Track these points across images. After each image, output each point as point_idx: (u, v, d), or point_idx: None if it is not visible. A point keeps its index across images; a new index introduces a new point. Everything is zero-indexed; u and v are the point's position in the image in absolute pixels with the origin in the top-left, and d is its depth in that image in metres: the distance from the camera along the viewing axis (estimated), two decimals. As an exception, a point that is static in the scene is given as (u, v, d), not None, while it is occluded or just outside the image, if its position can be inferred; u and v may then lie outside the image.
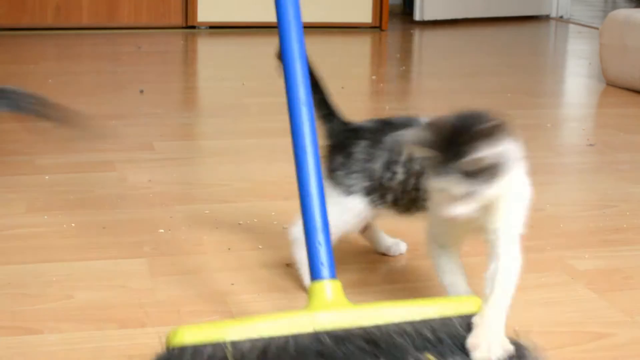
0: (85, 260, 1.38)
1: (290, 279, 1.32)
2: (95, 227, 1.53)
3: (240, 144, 2.11)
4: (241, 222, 1.56)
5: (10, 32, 3.97)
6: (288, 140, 2.10)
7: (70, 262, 1.37)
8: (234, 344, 0.99)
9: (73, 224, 1.54)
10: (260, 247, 1.45)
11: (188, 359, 0.98)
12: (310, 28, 4.37)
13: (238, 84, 2.88)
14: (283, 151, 2.03)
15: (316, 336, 1.01)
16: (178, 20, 4.28)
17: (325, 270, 1.08)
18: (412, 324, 1.04)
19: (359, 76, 3.29)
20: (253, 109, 2.49)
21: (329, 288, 1.07)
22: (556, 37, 4.69)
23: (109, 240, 1.47)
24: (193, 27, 4.29)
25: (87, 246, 1.44)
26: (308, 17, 4.42)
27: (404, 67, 3.48)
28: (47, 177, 1.81)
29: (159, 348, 1.10)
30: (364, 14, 4.47)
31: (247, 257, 1.41)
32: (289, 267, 1.36)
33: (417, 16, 4.75)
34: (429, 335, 1.03)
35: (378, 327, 1.03)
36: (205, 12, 4.28)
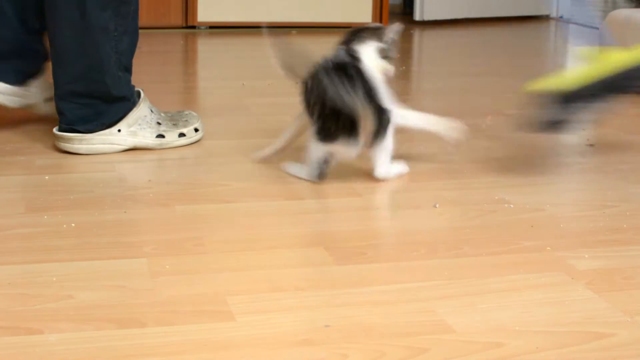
0: (85, 260, 1.38)
1: (289, 280, 1.33)
2: (95, 227, 1.53)
3: (240, 144, 2.11)
4: (241, 222, 1.57)
5: (10, 32, 3.96)
6: (288, 140, 2.06)
7: (70, 262, 1.38)
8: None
9: (73, 224, 1.54)
10: (260, 247, 1.45)
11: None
12: (311, 28, 4.38)
13: (238, 84, 2.88)
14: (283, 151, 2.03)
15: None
16: (178, 20, 4.28)
17: None
18: None
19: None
20: (253, 109, 2.49)
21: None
22: (556, 37, 4.69)
23: (109, 240, 1.47)
24: (193, 27, 4.29)
25: (87, 246, 1.45)
26: (308, 17, 4.44)
27: (404, 67, 3.48)
28: (47, 177, 1.81)
29: (159, 347, 1.10)
30: (364, 14, 4.47)
31: (247, 257, 1.41)
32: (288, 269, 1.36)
33: (417, 16, 4.76)
34: None
35: None
36: (205, 12, 4.28)
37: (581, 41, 4.37)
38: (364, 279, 1.34)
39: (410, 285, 1.32)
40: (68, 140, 1.96)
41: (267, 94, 2.72)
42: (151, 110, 2.03)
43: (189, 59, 3.67)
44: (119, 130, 1.98)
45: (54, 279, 1.30)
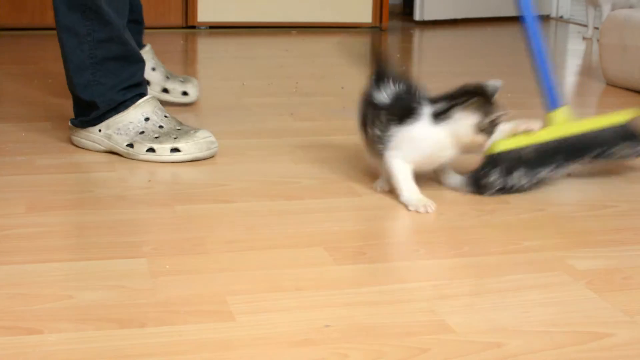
0: (85, 260, 1.38)
1: (289, 280, 1.33)
2: (95, 227, 1.53)
3: (240, 144, 2.11)
4: (241, 222, 1.57)
5: (10, 32, 3.97)
6: (288, 140, 2.11)
7: (70, 262, 1.38)
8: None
9: (73, 224, 1.54)
10: (260, 247, 1.45)
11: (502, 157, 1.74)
12: (311, 28, 4.38)
13: (238, 84, 2.88)
14: (283, 151, 2.03)
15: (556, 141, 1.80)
16: (178, 20, 4.28)
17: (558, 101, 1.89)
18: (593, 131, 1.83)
19: (358, 76, 3.29)
20: (253, 109, 2.49)
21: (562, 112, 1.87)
22: (556, 37, 4.69)
23: (109, 240, 1.47)
24: (193, 27, 4.30)
25: (87, 246, 1.45)
26: (308, 17, 4.44)
27: (404, 67, 3.48)
28: (47, 177, 1.81)
29: (159, 347, 1.10)
30: (364, 14, 4.47)
31: (247, 257, 1.41)
32: (288, 269, 1.36)
33: (417, 16, 4.76)
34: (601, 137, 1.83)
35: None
36: (205, 12, 4.28)
37: (580, 41, 4.36)
38: (364, 279, 1.34)
39: (410, 285, 1.32)
40: (69, 129, 2.07)
41: (267, 94, 2.72)
42: (146, 119, 1.97)
43: (189, 59, 3.67)
44: (99, 131, 1.98)
45: (54, 279, 1.30)
